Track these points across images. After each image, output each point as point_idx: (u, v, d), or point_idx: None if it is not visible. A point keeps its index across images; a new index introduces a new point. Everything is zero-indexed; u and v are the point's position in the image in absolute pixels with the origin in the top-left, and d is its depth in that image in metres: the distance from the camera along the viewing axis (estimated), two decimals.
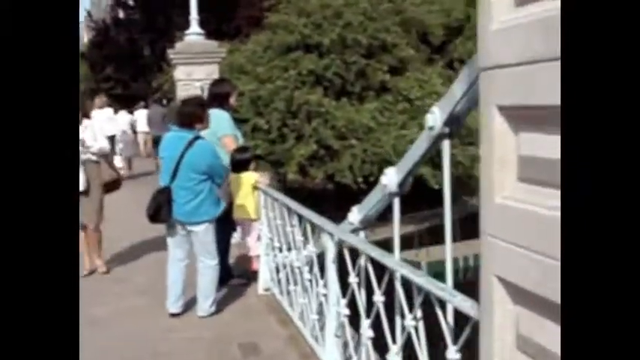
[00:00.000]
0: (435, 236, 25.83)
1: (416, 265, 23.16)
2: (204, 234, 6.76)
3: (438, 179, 26.49)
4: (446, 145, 3.67)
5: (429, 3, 33.50)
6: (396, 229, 4.43)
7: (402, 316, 3.85)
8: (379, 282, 4.18)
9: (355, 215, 5.04)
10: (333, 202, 26.79)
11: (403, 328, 3.80)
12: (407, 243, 22.40)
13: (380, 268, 4.14)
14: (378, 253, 4.04)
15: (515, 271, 1.83)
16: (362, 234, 5.10)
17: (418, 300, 3.53)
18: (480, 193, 1.98)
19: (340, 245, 4.98)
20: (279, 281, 7.16)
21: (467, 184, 30.80)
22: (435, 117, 3.59)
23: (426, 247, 23.80)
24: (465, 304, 2.96)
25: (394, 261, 3.80)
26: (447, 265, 3.69)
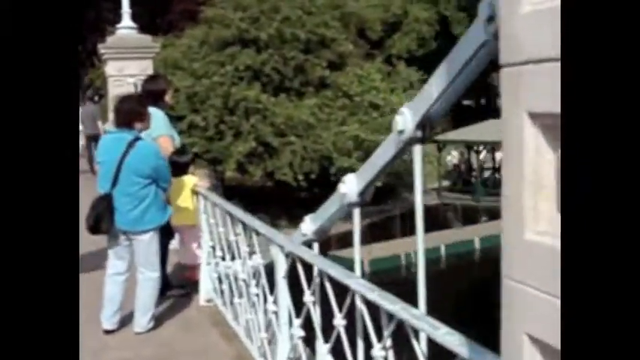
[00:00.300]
0: (376, 233, 25.69)
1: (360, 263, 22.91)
2: (149, 244, 6.21)
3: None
4: (417, 151, 3.22)
5: None
6: (357, 244, 3.99)
7: (366, 341, 3.42)
8: (340, 303, 3.73)
9: (308, 225, 4.58)
10: (274, 200, 26.41)
11: (369, 357, 3.35)
12: (348, 240, 22.05)
13: (339, 285, 3.69)
14: (339, 273, 3.59)
15: (553, 330, 1.38)
16: (316, 246, 4.65)
17: (389, 329, 3.09)
18: (503, 225, 1.54)
19: (292, 259, 4.51)
20: (222, 292, 6.68)
21: (407, 179, 30.76)
22: (406, 119, 3.14)
23: (369, 245, 23.54)
24: (451, 339, 2.54)
25: (360, 282, 3.34)
26: (419, 285, 3.24)
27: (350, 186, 3.89)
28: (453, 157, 37.02)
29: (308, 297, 4.20)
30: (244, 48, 26.17)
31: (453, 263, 23.96)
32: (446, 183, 35.46)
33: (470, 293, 20.57)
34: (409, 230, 26.22)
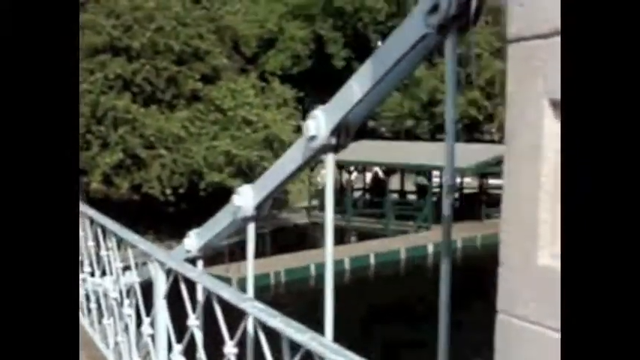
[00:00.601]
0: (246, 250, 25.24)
1: (226, 281, 22.57)
2: None
3: None
4: (330, 161, 2.87)
5: (244, 13, 32.99)
6: (250, 262, 3.62)
7: None
8: (231, 326, 3.34)
9: (193, 241, 4.18)
10: (140, 215, 25.59)
11: None
12: (217, 257, 21.59)
13: (229, 306, 3.29)
14: (232, 295, 3.18)
15: None
16: (200, 264, 4.25)
17: None
18: (502, 247, 1.19)
19: (175, 276, 4.07)
20: (89, 311, 6.14)
21: (277, 196, 30.49)
22: (319, 123, 2.78)
23: (237, 262, 23.04)
24: None
25: (259, 306, 2.94)
26: (326, 310, 2.89)
27: (245, 198, 3.51)
28: (323, 176, 37.00)
29: (192, 320, 3.77)
30: (115, 56, 25.41)
31: (322, 283, 23.70)
32: (316, 202, 35.34)
33: (343, 315, 20.36)
34: (278, 249, 25.94)
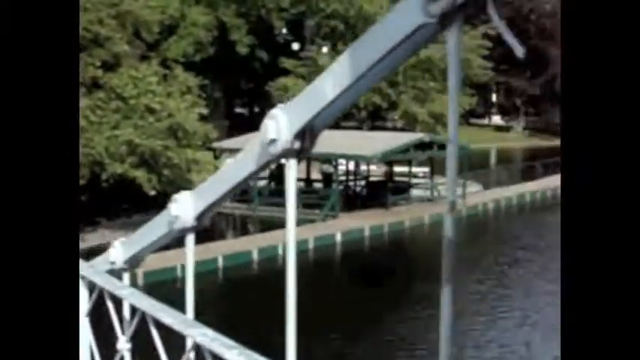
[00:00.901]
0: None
1: (131, 275, 21.84)
2: None
3: (153, 184, 25.35)
4: (292, 167, 2.49)
5: None
6: (190, 280, 3.22)
7: None
8: (170, 348, 2.96)
9: (119, 252, 3.75)
10: None
11: None
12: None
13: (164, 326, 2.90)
14: (177, 321, 2.76)
15: None
16: (126, 277, 3.83)
17: None
18: None
19: (100, 292, 3.63)
20: None
21: (185, 188, 29.82)
22: (279, 125, 2.40)
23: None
24: None
25: (209, 335, 2.54)
26: (287, 341, 2.52)
27: (185, 207, 3.10)
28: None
29: (123, 343, 3.35)
30: None
31: (232, 275, 23.34)
32: None
33: (254, 308, 19.99)
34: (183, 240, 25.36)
